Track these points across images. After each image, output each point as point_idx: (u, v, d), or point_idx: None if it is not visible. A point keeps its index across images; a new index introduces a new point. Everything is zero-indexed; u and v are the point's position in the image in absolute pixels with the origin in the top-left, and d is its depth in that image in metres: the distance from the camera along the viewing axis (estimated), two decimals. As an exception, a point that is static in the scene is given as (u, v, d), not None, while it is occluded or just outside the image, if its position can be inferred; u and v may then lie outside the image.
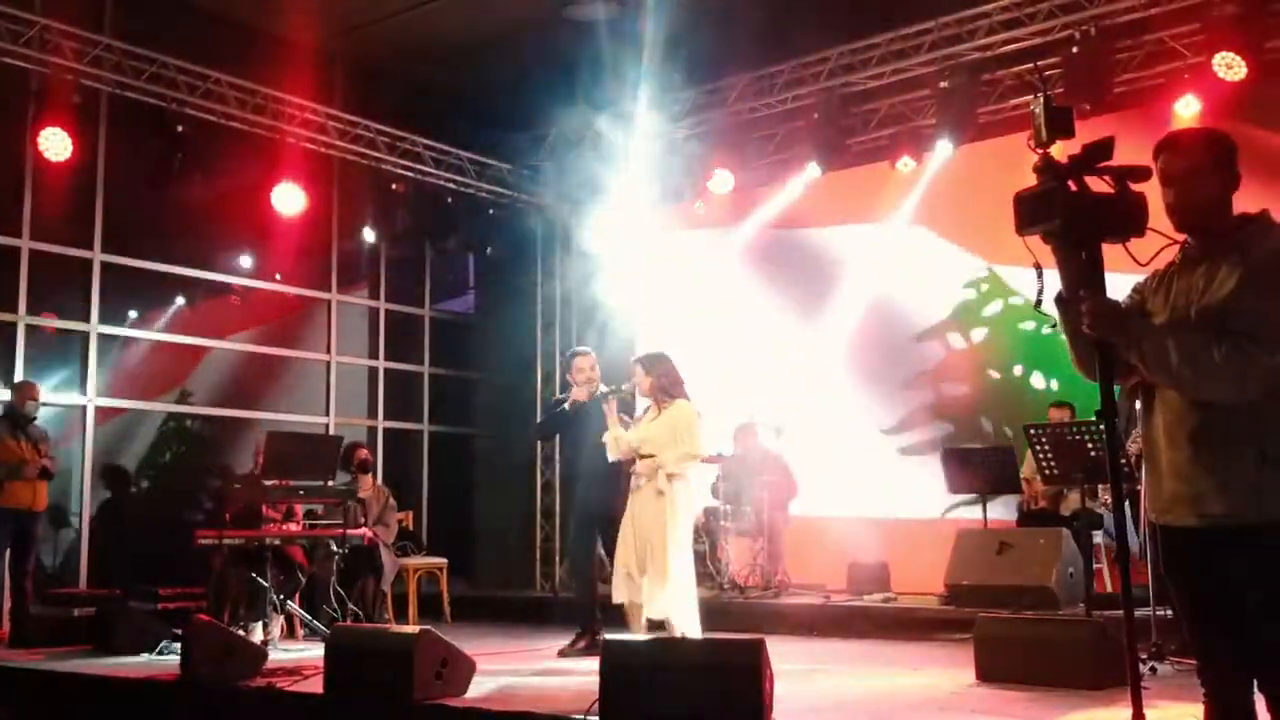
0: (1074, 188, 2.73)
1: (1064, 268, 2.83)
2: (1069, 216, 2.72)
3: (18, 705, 6.62)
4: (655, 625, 6.38)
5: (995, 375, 10.03)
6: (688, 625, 6.31)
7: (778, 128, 10.72)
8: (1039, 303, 2.86)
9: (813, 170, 10.26)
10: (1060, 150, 2.86)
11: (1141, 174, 2.80)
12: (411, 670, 5.06)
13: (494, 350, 12.75)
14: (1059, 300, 2.87)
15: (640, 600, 6.40)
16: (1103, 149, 2.76)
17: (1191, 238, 2.93)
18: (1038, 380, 9.71)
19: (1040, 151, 2.80)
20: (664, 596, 6.27)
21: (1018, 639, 5.67)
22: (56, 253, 9.74)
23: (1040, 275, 2.84)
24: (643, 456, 6.68)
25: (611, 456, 6.85)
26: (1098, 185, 2.77)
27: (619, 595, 6.58)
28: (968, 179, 9.82)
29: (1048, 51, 9.19)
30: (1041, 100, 2.81)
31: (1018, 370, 9.86)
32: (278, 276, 11.50)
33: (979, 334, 10.17)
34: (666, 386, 6.80)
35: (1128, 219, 2.77)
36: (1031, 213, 2.78)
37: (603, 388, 7.26)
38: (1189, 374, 2.74)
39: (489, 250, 12.15)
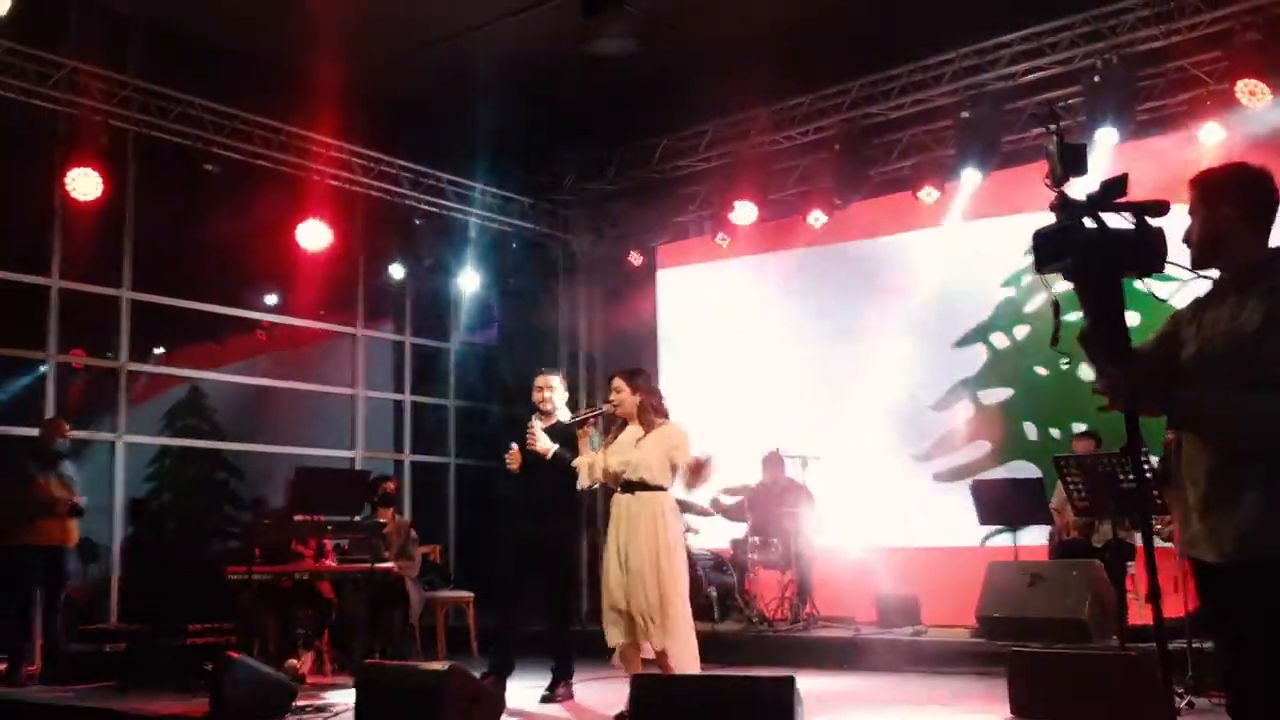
0: (1091, 224, 2.73)
1: (1085, 304, 2.83)
2: (1085, 254, 2.72)
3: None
4: (652, 663, 5.96)
5: (1042, 372, 9.94)
6: (687, 662, 5.83)
7: (799, 160, 10.74)
8: (1055, 340, 2.86)
9: (836, 205, 10.30)
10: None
11: (1160, 209, 2.80)
12: (441, 708, 5.05)
13: (517, 381, 12.77)
14: (1081, 338, 2.87)
15: (637, 639, 5.87)
16: (1118, 185, 2.76)
17: (1223, 270, 2.92)
18: (1086, 372, 9.60)
19: (1056, 190, 2.80)
20: (661, 632, 5.78)
21: (1053, 674, 5.61)
22: (86, 291, 9.83)
23: (1057, 313, 2.84)
24: (629, 483, 6.01)
25: (583, 484, 6.25)
26: (1116, 221, 2.77)
27: (612, 638, 5.93)
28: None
29: (1069, 80, 9.22)
30: (1055, 138, 2.81)
31: (1065, 364, 9.78)
32: (320, 312, 11.53)
33: (1022, 331, 10.11)
34: (656, 405, 6.14)
35: (1147, 254, 2.76)
36: (1049, 250, 2.79)
37: (565, 415, 6.92)
38: (1245, 429, 2.75)
39: (511, 283, 12.20)
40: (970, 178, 9.66)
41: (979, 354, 10.31)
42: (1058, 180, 2.79)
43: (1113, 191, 2.73)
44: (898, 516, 10.08)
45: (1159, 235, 2.76)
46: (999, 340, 10.22)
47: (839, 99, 10.10)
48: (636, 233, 11.91)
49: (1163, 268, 2.79)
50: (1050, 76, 9.30)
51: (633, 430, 6.10)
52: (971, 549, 9.39)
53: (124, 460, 10.00)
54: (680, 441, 6.02)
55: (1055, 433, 9.62)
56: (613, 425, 6.27)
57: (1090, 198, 2.73)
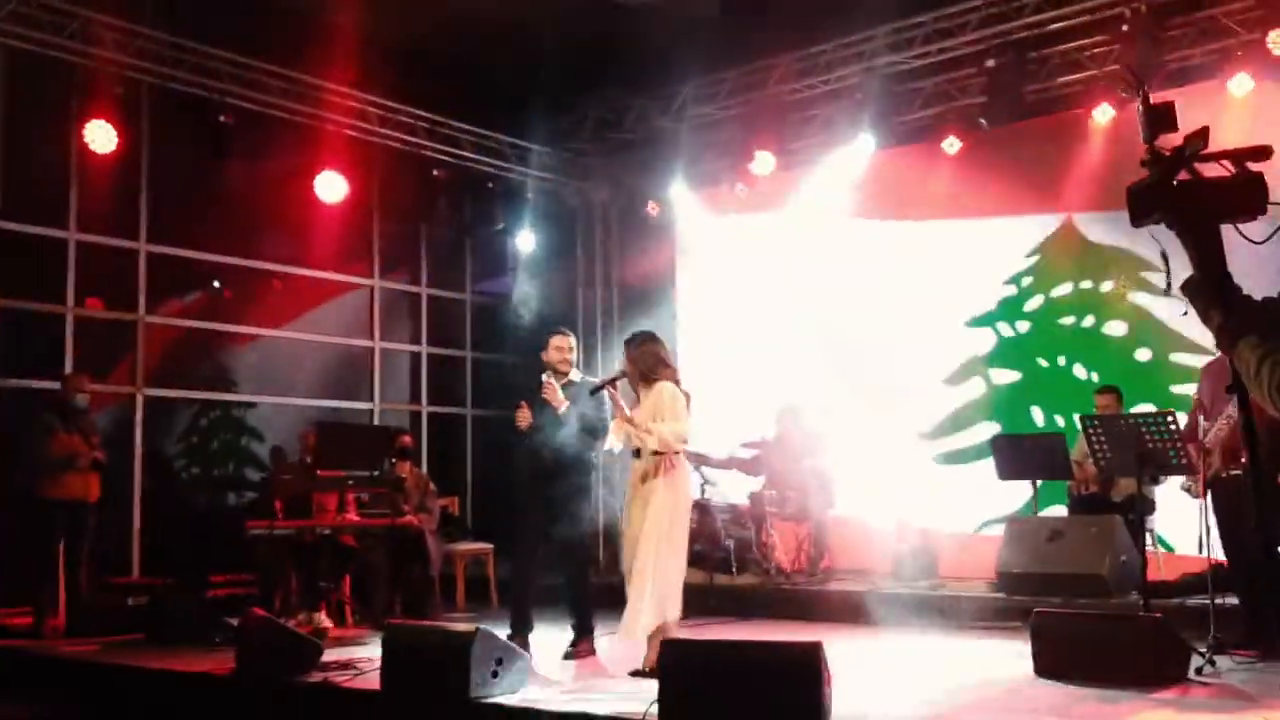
0: (1185, 176, 2.83)
1: (1189, 253, 2.90)
2: (1182, 205, 2.81)
3: (74, 695, 6.69)
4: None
5: (1044, 363, 9.95)
6: (667, 609, 5.83)
7: (820, 108, 10.61)
8: (1169, 288, 2.95)
9: (858, 149, 10.16)
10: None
11: (1262, 154, 2.84)
12: (468, 668, 5.07)
13: (534, 333, 12.74)
14: (1186, 287, 2.95)
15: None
16: (1201, 136, 2.85)
17: None
18: (1079, 371, 9.66)
19: (1146, 146, 2.89)
20: (642, 611, 5.78)
21: (1077, 634, 5.60)
22: (103, 244, 9.80)
23: (1166, 262, 2.94)
24: (636, 449, 6.08)
25: (618, 448, 6.29)
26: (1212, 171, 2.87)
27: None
28: (1016, 159, 9.77)
29: (1096, 29, 9.07)
30: (1141, 99, 2.87)
31: (1061, 360, 9.80)
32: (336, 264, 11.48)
33: (1024, 325, 10.12)
34: (645, 370, 6.13)
35: (1246, 199, 2.82)
36: (1144, 205, 2.88)
37: (576, 374, 6.92)
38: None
39: (529, 233, 12.14)
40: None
41: (989, 335, 10.28)
42: (1146, 139, 2.87)
43: (1196, 144, 2.81)
44: (913, 494, 10.04)
45: (1258, 180, 2.81)
46: (1005, 329, 10.20)
47: (862, 47, 9.95)
48: (654, 183, 11.80)
49: (1265, 210, 2.83)
50: (1077, 25, 9.14)
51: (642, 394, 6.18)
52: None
53: (142, 413, 10.03)
54: (661, 400, 6.03)
55: (1060, 420, 9.59)
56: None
57: (1179, 151, 2.80)
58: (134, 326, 10.03)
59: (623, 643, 5.92)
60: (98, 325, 9.93)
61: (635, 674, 5.82)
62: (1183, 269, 2.90)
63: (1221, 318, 2.86)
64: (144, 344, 10.07)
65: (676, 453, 6.05)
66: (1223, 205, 2.80)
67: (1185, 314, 3.05)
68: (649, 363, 6.15)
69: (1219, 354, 5.91)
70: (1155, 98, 3.10)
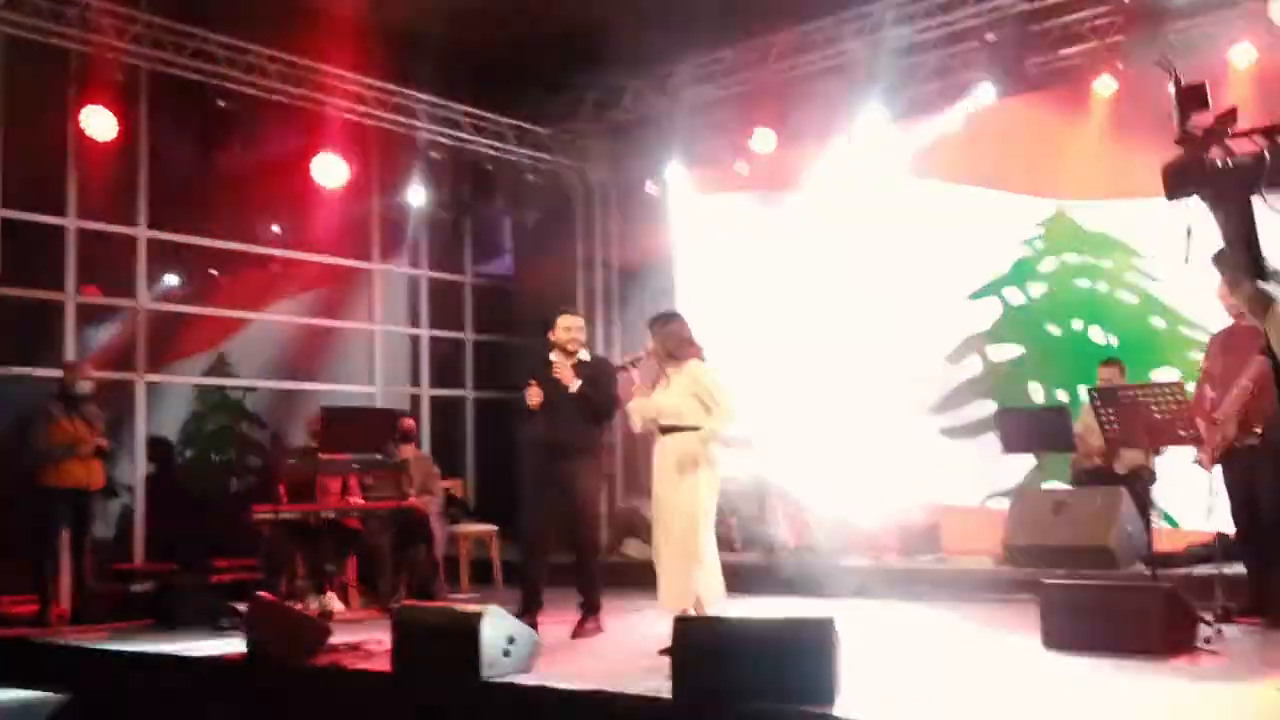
0: (1217, 153, 2.90)
1: (1221, 225, 2.97)
2: (1216, 180, 2.89)
3: (82, 683, 6.68)
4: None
5: (1055, 331, 9.91)
6: (713, 597, 5.98)
7: (821, 84, 10.54)
8: (1187, 260, 3.03)
9: (862, 124, 10.13)
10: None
11: None
12: (479, 648, 5.07)
13: (535, 314, 12.71)
14: (1216, 258, 3.01)
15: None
16: (1230, 115, 2.92)
17: None
18: (1096, 334, 9.62)
19: (1179, 126, 2.95)
20: (694, 579, 5.90)
21: (1086, 605, 5.60)
22: (102, 230, 9.76)
23: (1189, 235, 2.99)
24: (662, 429, 6.12)
25: (636, 428, 6.34)
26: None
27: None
28: (1012, 129, 9.78)
29: (1096, 1, 9.03)
30: (1172, 81, 2.95)
31: (1077, 325, 9.75)
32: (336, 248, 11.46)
33: (1038, 289, 10.05)
34: (671, 349, 6.15)
35: (1276, 172, 2.89)
36: (1179, 182, 2.97)
37: (585, 354, 6.94)
38: None
39: (528, 214, 12.10)
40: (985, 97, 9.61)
41: (993, 308, 10.22)
42: (1180, 120, 2.94)
43: (1226, 122, 2.88)
44: (913, 471, 10.05)
45: None
46: (1013, 295, 10.14)
47: (860, 22, 9.89)
48: (654, 163, 11.76)
49: None
50: (1075, -1, 9.10)
51: (664, 377, 6.20)
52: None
53: (145, 399, 10.01)
54: (698, 377, 6.08)
55: (1062, 394, 9.57)
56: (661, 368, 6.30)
57: (1210, 130, 2.88)
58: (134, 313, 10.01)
59: (661, 614, 5.87)
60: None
61: (664, 652, 5.81)
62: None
63: (1253, 286, 2.90)
64: (146, 330, 10.05)
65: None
66: (1254, 179, 2.87)
67: (1186, 260, 3.10)
68: (676, 342, 6.18)
69: (1224, 326, 5.93)
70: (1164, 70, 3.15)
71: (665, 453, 6.09)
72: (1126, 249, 9.37)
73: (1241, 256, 2.96)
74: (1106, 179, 9.28)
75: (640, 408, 6.21)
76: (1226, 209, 2.95)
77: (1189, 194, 2.99)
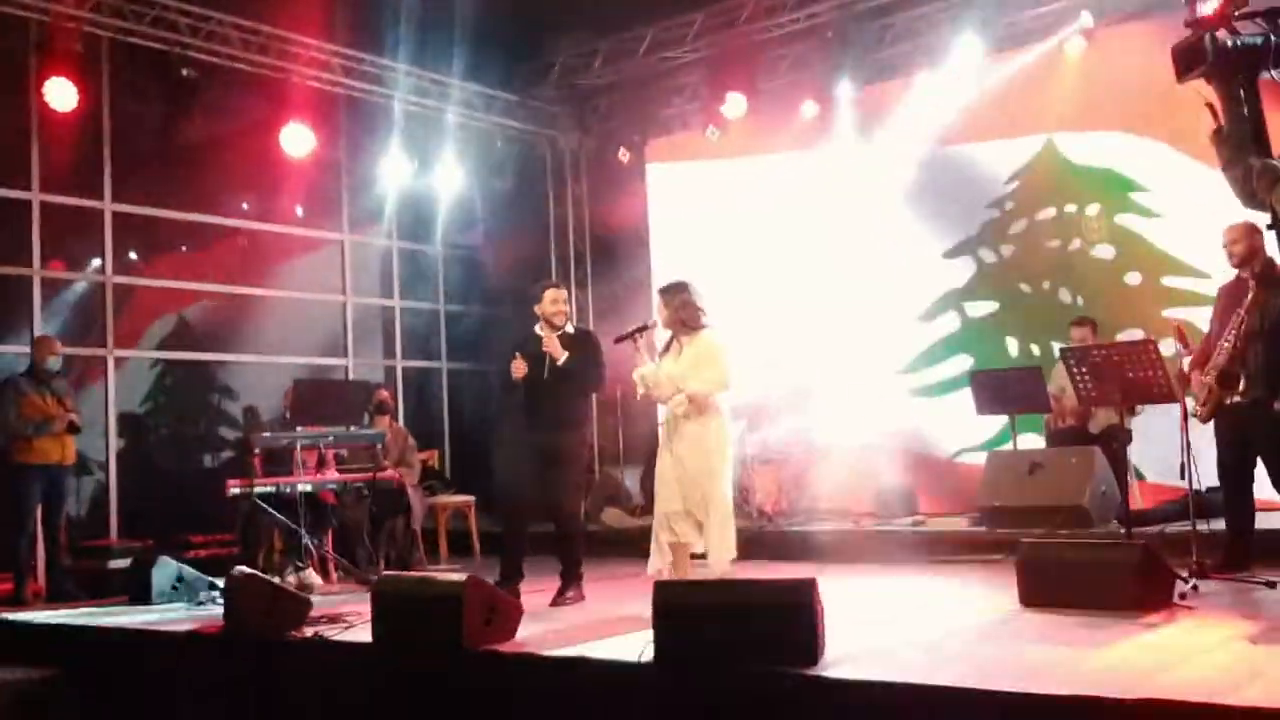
0: (1223, 36, 2.99)
1: (1223, 104, 3.03)
2: (1221, 60, 2.98)
3: (60, 660, 6.63)
4: (698, 557, 6.28)
5: (1026, 289, 9.97)
6: (725, 553, 6.19)
7: (791, 47, 10.50)
8: (1218, 131, 3.14)
9: (828, 93, 10.09)
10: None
11: None
12: (461, 617, 5.06)
13: (505, 284, 12.67)
14: (1214, 137, 3.07)
15: (693, 541, 6.21)
16: (1238, 2, 3.01)
17: None
18: (1064, 295, 9.68)
19: (1188, 7, 3.05)
20: (722, 535, 6.15)
21: (1061, 563, 5.63)
22: (67, 204, 9.62)
23: (1214, 115, 3.21)
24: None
25: (640, 395, 6.50)
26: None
27: (666, 535, 6.23)
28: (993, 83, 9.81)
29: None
30: None
31: (1046, 285, 9.81)
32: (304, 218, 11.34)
33: (1009, 249, 10.11)
34: (685, 318, 6.32)
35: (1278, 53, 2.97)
36: (1187, 60, 3.07)
37: (570, 326, 6.95)
38: None
39: (497, 183, 12.01)
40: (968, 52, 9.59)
41: (968, 266, 10.25)
42: (1190, 1, 3.06)
43: (1235, 5, 2.98)
44: (890, 423, 10.11)
45: None
46: (987, 255, 10.17)
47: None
48: (625, 129, 11.70)
49: None
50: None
51: (675, 345, 6.39)
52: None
53: (114, 375, 9.91)
54: (708, 349, 6.27)
55: (1035, 349, 9.66)
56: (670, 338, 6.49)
57: (1218, 13, 2.96)
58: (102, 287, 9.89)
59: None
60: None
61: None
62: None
63: (1261, 161, 2.96)
64: (113, 305, 9.93)
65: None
66: (1260, 59, 2.95)
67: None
68: (690, 311, 6.36)
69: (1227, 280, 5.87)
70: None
71: (678, 419, 6.26)
72: (1122, 179, 9.34)
73: (1243, 134, 3.04)
74: (1094, 111, 9.30)
75: (650, 378, 6.37)
76: (1231, 88, 3.02)
77: (1197, 75, 3.07)
